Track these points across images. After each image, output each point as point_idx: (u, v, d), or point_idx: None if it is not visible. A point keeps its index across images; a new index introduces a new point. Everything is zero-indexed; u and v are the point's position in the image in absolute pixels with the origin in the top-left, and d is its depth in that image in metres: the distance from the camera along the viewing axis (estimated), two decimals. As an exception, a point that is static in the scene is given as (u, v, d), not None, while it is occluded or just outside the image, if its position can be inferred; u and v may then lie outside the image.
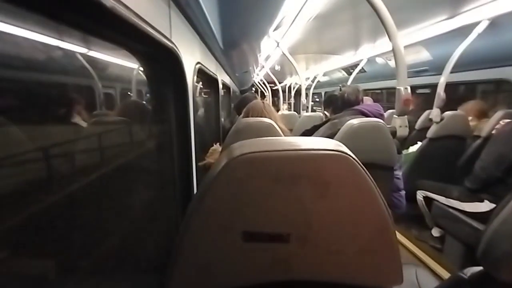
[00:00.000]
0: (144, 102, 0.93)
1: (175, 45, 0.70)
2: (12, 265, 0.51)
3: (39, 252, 0.56)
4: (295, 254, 0.33)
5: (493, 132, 1.68)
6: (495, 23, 1.59)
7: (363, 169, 0.31)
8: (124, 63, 0.91)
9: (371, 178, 0.32)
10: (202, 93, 2.06)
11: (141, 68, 0.81)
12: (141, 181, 0.89)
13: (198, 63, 1.05)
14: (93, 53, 0.72)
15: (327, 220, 0.32)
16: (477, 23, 1.64)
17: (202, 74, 1.42)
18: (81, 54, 0.68)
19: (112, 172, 0.81)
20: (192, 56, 0.97)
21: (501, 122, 1.63)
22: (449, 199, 1.68)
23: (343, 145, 0.32)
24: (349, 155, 0.31)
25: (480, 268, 0.42)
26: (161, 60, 0.73)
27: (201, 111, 2.06)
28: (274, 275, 0.34)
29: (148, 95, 0.89)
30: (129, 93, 0.97)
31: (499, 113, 1.72)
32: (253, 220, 0.32)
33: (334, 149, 0.31)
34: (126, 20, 0.45)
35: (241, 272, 0.34)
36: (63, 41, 0.59)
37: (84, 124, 0.79)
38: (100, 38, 0.60)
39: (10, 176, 0.50)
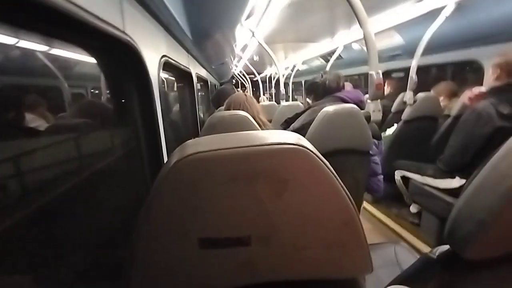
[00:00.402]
0: (104, 102, 0.87)
1: (130, 38, 0.64)
2: None
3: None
4: (259, 256, 0.32)
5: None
6: (462, 6, 1.63)
7: (323, 162, 0.29)
8: (79, 59, 0.84)
9: (332, 170, 0.30)
10: (175, 88, 1.98)
11: (99, 66, 0.75)
12: (112, 185, 0.84)
13: (164, 56, 0.99)
14: (41, 50, 0.66)
15: (290, 218, 0.30)
16: (444, 6, 1.67)
17: (172, 68, 1.35)
18: (29, 50, 0.61)
19: (74, 178, 0.75)
20: (155, 49, 0.91)
21: (466, 99, 1.68)
22: (424, 177, 1.75)
23: (302, 138, 0.30)
24: (307, 148, 0.29)
25: (448, 247, 0.43)
26: (116, 55, 0.67)
27: (176, 107, 1.99)
28: (239, 280, 0.32)
29: (108, 93, 0.82)
30: (84, 92, 0.90)
31: (467, 92, 1.80)
32: (209, 225, 0.30)
33: (292, 143, 0.29)
34: (68, 12, 0.40)
35: (202, 281, 0.32)
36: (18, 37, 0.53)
37: (36, 127, 0.72)
38: (46, 35, 0.54)
39: None
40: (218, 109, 1.60)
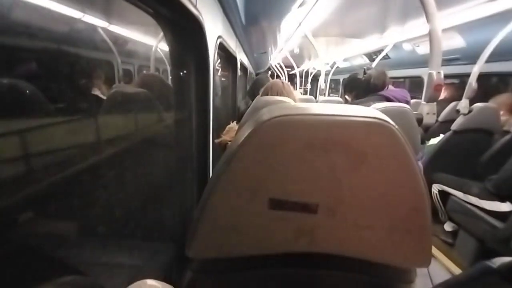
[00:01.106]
0: (164, 76, 0.93)
1: (199, 13, 0.67)
2: (37, 226, 0.54)
3: (63, 217, 0.59)
4: (322, 226, 0.32)
5: None
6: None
7: (405, 141, 0.29)
8: (145, 39, 0.90)
9: (412, 151, 0.29)
10: (221, 71, 2.03)
11: (163, 42, 0.80)
12: (160, 153, 0.91)
13: (220, 37, 1.01)
14: (117, 27, 0.72)
15: (360, 193, 0.31)
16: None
17: (222, 50, 1.39)
18: (102, 27, 0.67)
19: (132, 144, 0.82)
20: (214, 29, 0.94)
21: None
22: (467, 195, 1.62)
23: (383, 114, 0.30)
24: (392, 125, 0.28)
25: (510, 259, 0.40)
26: (185, 29, 0.71)
27: (218, 90, 2.04)
28: (298, 246, 0.34)
29: (170, 67, 0.88)
30: (150, 66, 0.97)
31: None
32: (281, 187, 0.31)
33: (375, 116, 0.29)
34: None
35: (264, 240, 0.33)
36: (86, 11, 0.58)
37: (103, 97, 0.80)
38: None
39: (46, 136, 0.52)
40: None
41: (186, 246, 0.35)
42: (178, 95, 0.86)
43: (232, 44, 1.58)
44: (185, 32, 0.72)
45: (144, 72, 1.04)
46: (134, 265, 0.77)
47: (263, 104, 0.97)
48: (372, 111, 0.30)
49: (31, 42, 0.48)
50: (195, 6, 0.64)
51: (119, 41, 0.83)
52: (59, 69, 0.54)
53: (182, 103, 0.85)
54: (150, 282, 0.31)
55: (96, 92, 0.81)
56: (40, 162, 0.52)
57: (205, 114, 0.87)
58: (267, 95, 1.17)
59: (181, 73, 0.82)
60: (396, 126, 0.29)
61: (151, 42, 0.97)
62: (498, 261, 0.44)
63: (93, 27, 0.66)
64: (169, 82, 0.94)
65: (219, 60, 1.85)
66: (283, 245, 0.34)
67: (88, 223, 0.69)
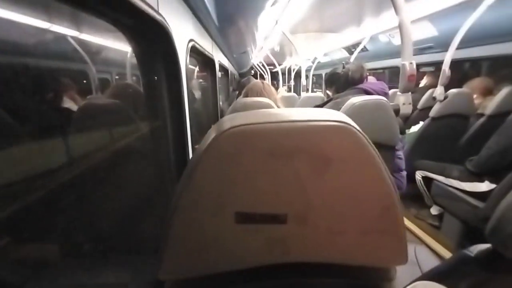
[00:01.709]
0: (135, 84, 0.89)
1: (163, 18, 0.65)
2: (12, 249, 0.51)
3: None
4: (293, 236, 0.31)
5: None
6: (507, -7, 1.49)
7: (369, 142, 0.28)
8: (116, 45, 0.86)
9: (378, 153, 0.29)
10: (198, 75, 2.00)
11: (132, 49, 0.77)
12: (137, 163, 0.87)
13: (192, 40, 0.99)
14: (83, 34, 0.68)
15: (329, 199, 0.30)
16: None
17: (196, 53, 1.36)
18: (71, 35, 0.64)
19: (106, 157, 0.78)
20: (184, 33, 0.91)
21: None
22: (448, 179, 1.68)
23: (345, 116, 0.29)
24: (353, 126, 0.28)
25: (487, 245, 0.41)
26: (149, 36, 0.68)
27: (198, 94, 2.01)
28: (270, 258, 0.32)
29: (140, 75, 0.84)
30: (120, 75, 0.93)
31: (505, 90, 1.67)
32: (247, 199, 0.30)
33: (337, 120, 0.28)
34: None
35: (235, 255, 0.32)
36: (51, 20, 0.55)
37: (75, 108, 0.76)
38: (82, 10, 0.55)
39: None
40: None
41: (157, 268, 0.33)
42: (150, 103, 0.83)
43: (208, 47, 1.55)
44: (150, 39, 0.70)
45: (116, 82, 0.99)
46: (117, 283, 0.74)
47: (242, 106, 0.96)
48: (335, 113, 0.30)
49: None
50: (157, 12, 0.62)
51: (92, 49, 0.79)
52: (22, 80, 0.51)
53: (156, 111, 0.82)
54: None
55: (68, 104, 0.77)
56: (6, 180, 0.49)
57: (181, 120, 0.85)
58: (247, 96, 1.17)
59: (152, 80, 0.79)
60: (358, 128, 0.28)
61: (126, 48, 0.93)
62: (475, 248, 0.45)
63: (62, 37, 0.63)
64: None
65: (197, 65, 1.82)
66: (256, 258, 0.33)
67: (64, 242, 0.66)
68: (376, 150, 0.29)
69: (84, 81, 0.78)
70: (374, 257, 0.33)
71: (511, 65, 2.04)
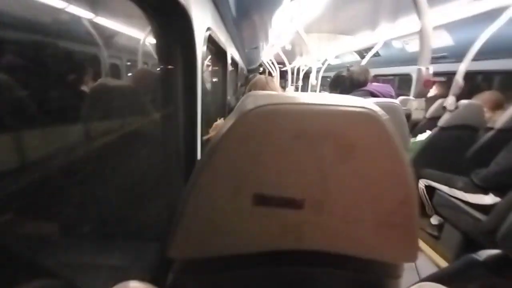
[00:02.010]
0: (152, 70, 0.90)
1: (186, 2, 0.64)
2: (16, 227, 0.51)
3: (41, 214, 0.56)
4: (309, 222, 0.31)
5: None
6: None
7: (394, 132, 0.28)
8: (133, 32, 0.86)
9: (400, 142, 0.29)
10: (210, 66, 1.99)
11: (152, 32, 0.77)
12: (146, 149, 0.88)
13: (209, 29, 0.99)
14: (102, 19, 0.68)
15: (348, 187, 0.30)
16: (508, 6, 1.52)
17: (211, 43, 1.36)
18: (89, 19, 0.64)
19: (117, 139, 0.79)
20: (203, 21, 0.91)
21: None
22: (452, 189, 1.67)
23: (373, 104, 0.29)
24: (379, 114, 0.27)
25: (497, 251, 0.41)
26: (171, 18, 0.68)
27: (208, 85, 2.01)
28: (284, 243, 0.32)
29: (157, 61, 0.85)
30: (136, 61, 0.93)
31: (518, 105, 1.65)
32: (266, 182, 0.29)
33: (364, 106, 0.28)
34: None
35: (249, 238, 0.32)
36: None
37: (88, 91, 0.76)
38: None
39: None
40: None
41: (167, 246, 0.33)
42: (165, 90, 0.83)
43: (223, 38, 1.55)
44: (172, 23, 0.69)
45: (138, 67, 1.00)
46: (118, 266, 0.74)
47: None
48: (361, 100, 0.29)
49: (11, 34, 0.45)
50: None
51: (105, 34, 0.79)
52: (42, 63, 0.51)
53: (170, 99, 0.82)
54: (133, 284, 0.29)
55: (84, 88, 0.78)
56: (17, 159, 0.50)
57: (193, 110, 0.85)
58: (251, 91, 1.18)
59: (169, 67, 0.79)
60: (387, 116, 0.28)
61: (139, 35, 0.93)
62: (484, 253, 0.45)
63: (77, 19, 0.63)
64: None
65: (209, 55, 1.81)
66: (269, 243, 0.33)
67: (69, 222, 0.66)
68: (401, 142, 0.29)
69: (98, 66, 0.79)
70: (385, 251, 0.33)
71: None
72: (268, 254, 0.34)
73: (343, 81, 1.25)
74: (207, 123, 1.63)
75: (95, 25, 0.68)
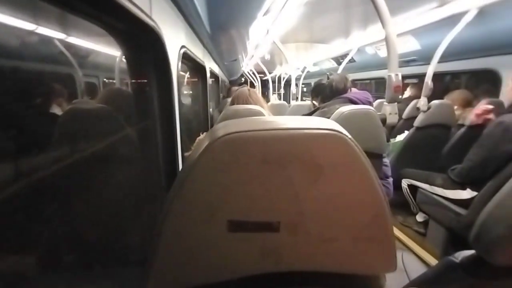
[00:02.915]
0: (126, 89, 0.88)
1: (156, 24, 0.64)
2: None
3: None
4: (286, 244, 0.31)
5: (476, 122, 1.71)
6: (484, 12, 1.60)
7: (360, 150, 0.29)
8: (107, 49, 0.85)
9: (367, 159, 0.29)
10: (189, 81, 1.99)
11: (123, 54, 0.76)
12: (124, 171, 0.85)
13: (183, 46, 0.99)
14: (73, 39, 0.67)
15: (320, 206, 0.30)
16: (465, 12, 1.64)
17: (188, 60, 1.36)
18: (60, 39, 0.62)
19: (92, 162, 0.76)
20: (176, 39, 0.91)
21: (490, 115, 1.62)
22: (433, 186, 1.73)
23: (337, 124, 0.30)
24: (345, 134, 0.28)
25: (472, 252, 0.42)
26: (141, 41, 0.68)
27: (188, 100, 2.00)
28: (263, 267, 0.32)
29: (130, 81, 0.83)
30: (110, 80, 0.91)
31: (483, 102, 1.76)
32: (239, 207, 0.29)
33: (329, 128, 0.28)
34: None
35: (227, 264, 0.31)
36: (39, 23, 0.54)
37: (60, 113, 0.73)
38: (74, 14, 0.54)
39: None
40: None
41: (145, 277, 0.32)
42: (140, 109, 0.81)
43: (200, 54, 1.56)
44: (142, 44, 0.69)
45: (108, 87, 0.97)
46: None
47: (232, 113, 0.96)
48: (326, 122, 0.30)
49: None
50: (150, 17, 0.61)
51: (80, 53, 0.77)
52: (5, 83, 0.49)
53: (146, 118, 0.81)
54: None
55: (56, 110, 0.75)
56: None
57: (171, 127, 0.84)
58: (234, 104, 1.18)
59: (143, 86, 0.78)
60: (349, 136, 0.29)
61: (115, 53, 0.91)
62: (460, 255, 0.47)
63: (48, 39, 0.61)
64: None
65: (188, 71, 1.82)
66: (249, 268, 0.32)
67: (44, 253, 0.62)
68: (367, 158, 0.30)
69: (71, 86, 0.76)
70: (364, 264, 0.34)
71: (488, 78, 2.16)
72: (249, 279, 0.33)
73: (323, 89, 1.29)
74: (190, 138, 1.61)
75: (68, 45, 0.66)
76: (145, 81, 0.76)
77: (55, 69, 0.68)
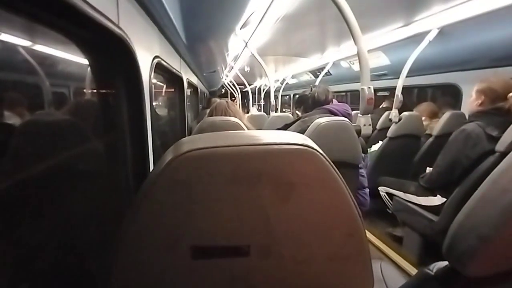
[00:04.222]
0: (92, 99, 0.82)
1: (124, 33, 0.61)
2: None
3: None
4: (257, 269, 0.29)
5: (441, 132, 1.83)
6: (444, 32, 1.74)
7: (331, 166, 0.27)
8: (72, 57, 0.80)
9: (340, 175, 0.28)
10: (166, 92, 1.94)
11: (88, 62, 0.71)
12: (88, 187, 0.78)
13: (157, 57, 0.96)
14: (35, 45, 0.62)
15: (292, 226, 0.28)
16: (428, 31, 1.78)
17: (163, 70, 1.32)
18: (21, 45, 0.57)
19: (53, 177, 0.69)
20: (148, 49, 0.88)
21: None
22: (406, 194, 1.79)
23: (309, 139, 0.28)
24: (315, 149, 0.27)
25: (446, 263, 0.42)
26: (108, 50, 0.64)
27: (164, 111, 1.93)
28: None
29: (96, 91, 0.78)
30: (76, 89, 0.85)
31: (446, 114, 1.89)
32: (204, 231, 0.26)
33: (299, 143, 0.27)
34: None
35: None
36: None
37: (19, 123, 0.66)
38: (36, 21, 0.50)
39: None
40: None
41: None
42: (108, 120, 0.76)
43: (176, 64, 1.53)
44: (109, 53, 0.65)
45: (72, 98, 0.91)
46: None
47: (209, 125, 0.94)
48: (297, 136, 0.29)
49: None
50: (117, 25, 0.58)
51: (47, 61, 0.71)
52: None
53: (113, 129, 0.75)
54: None
55: (12, 120, 0.67)
56: None
57: (142, 140, 0.79)
58: (212, 115, 1.16)
59: (110, 96, 0.73)
60: (321, 151, 0.28)
61: (80, 61, 0.86)
62: (435, 266, 0.47)
63: (10, 46, 0.55)
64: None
65: (164, 82, 1.77)
66: None
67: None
68: (339, 173, 0.28)
69: (33, 95, 0.70)
70: (340, 283, 0.32)
71: (450, 92, 2.34)
72: None
73: (306, 100, 1.33)
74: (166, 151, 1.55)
75: (34, 53, 0.61)
76: (113, 91, 0.71)
77: (14, 77, 0.62)
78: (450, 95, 2.39)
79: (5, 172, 0.57)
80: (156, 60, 0.93)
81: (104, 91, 0.71)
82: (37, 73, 0.64)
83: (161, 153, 1.22)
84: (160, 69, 1.12)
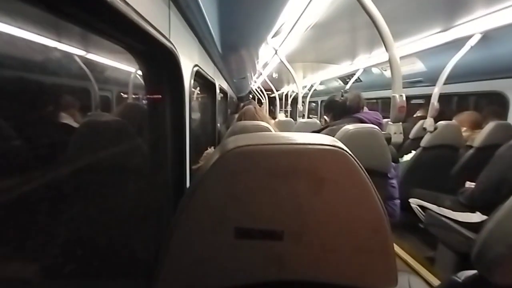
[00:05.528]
0: (140, 104, 0.93)
1: (173, 46, 0.70)
2: None
3: (20, 251, 0.54)
4: (289, 253, 0.33)
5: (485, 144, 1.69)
6: (488, 37, 1.64)
7: (359, 166, 0.31)
8: (122, 65, 0.91)
9: (368, 176, 0.31)
10: (199, 97, 2.07)
11: (139, 70, 0.81)
12: (134, 183, 0.88)
13: (196, 65, 1.05)
14: (91, 54, 0.72)
15: (322, 218, 0.32)
16: (470, 36, 1.69)
17: (199, 77, 1.43)
18: (79, 55, 0.68)
19: (105, 173, 0.79)
20: (190, 59, 0.97)
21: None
22: (441, 208, 1.68)
23: (338, 141, 0.32)
24: (345, 151, 0.31)
25: (474, 271, 0.42)
26: (159, 60, 0.73)
27: (197, 115, 2.06)
28: (267, 275, 0.33)
29: (145, 96, 0.88)
30: (125, 94, 0.97)
31: (491, 124, 1.76)
32: (246, 216, 0.32)
33: (330, 144, 0.31)
34: (125, 16, 0.45)
35: (233, 271, 0.33)
36: (60, 39, 0.59)
37: (76, 125, 0.77)
38: (98, 35, 0.60)
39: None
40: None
41: (153, 283, 0.34)
42: (153, 123, 0.86)
43: (210, 72, 1.63)
44: (160, 63, 0.75)
45: (124, 101, 1.03)
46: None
47: (240, 129, 1.00)
48: (328, 138, 0.33)
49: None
50: (168, 39, 0.67)
51: (97, 68, 0.83)
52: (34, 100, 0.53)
53: (158, 131, 0.85)
54: None
55: (67, 120, 0.79)
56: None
57: (182, 141, 0.88)
58: (241, 120, 1.23)
59: (157, 102, 0.83)
60: (350, 152, 0.31)
61: (130, 68, 0.97)
62: (463, 275, 0.47)
63: (67, 54, 0.66)
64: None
65: (198, 88, 1.90)
66: (253, 275, 0.34)
67: (50, 262, 0.64)
68: (367, 174, 0.32)
69: (88, 99, 0.81)
70: (365, 277, 0.35)
71: (496, 100, 2.16)
72: (253, 286, 0.34)
73: (336, 106, 1.28)
74: (198, 152, 1.65)
75: (87, 61, 0.71)
76: (159, 96, 0.81)
77: (72, 82, 0.73)
78: (496, 104, 2.21)
79: (75, 164, 0.67)
80: (195, 68, 1.03)
81: (153, 97, 0.81)
82: (91, 79, 0.74)
83: (193, 153, 1.31)
84: (197, 75, 1.22)
